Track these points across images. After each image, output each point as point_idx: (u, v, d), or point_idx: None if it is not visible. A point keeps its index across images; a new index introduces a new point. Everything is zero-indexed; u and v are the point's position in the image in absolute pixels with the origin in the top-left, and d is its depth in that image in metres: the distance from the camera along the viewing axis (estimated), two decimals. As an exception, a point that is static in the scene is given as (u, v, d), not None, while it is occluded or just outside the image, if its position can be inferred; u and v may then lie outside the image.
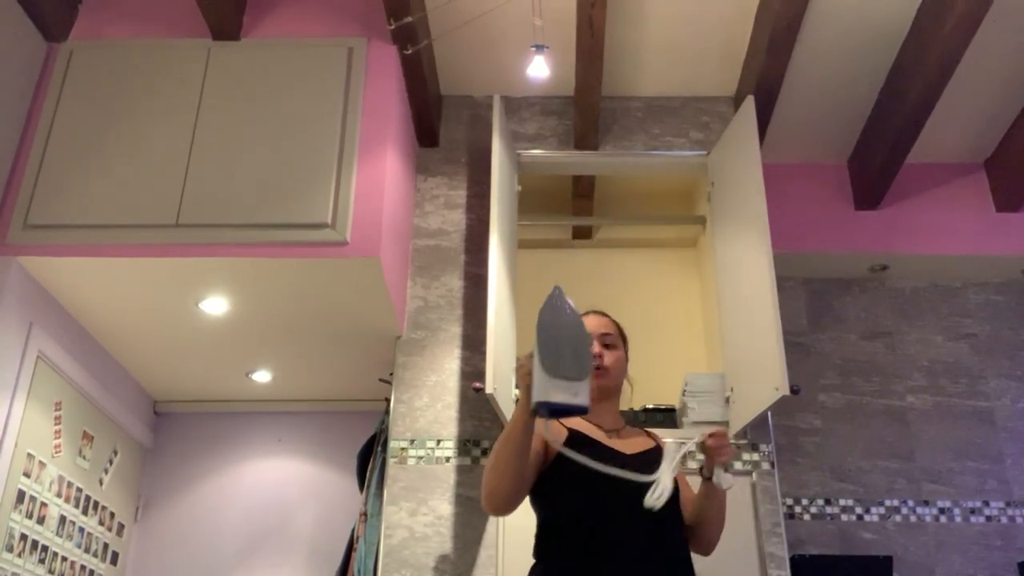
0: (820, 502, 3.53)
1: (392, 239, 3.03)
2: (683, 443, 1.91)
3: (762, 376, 2.83)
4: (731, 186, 3.33)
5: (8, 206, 2.89)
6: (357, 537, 3.12)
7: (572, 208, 3.94)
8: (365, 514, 3.13)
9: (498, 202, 3.08)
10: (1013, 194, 3.78)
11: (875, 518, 3.51)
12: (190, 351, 3.49)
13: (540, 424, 1.67)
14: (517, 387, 1.84)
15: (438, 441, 3.11)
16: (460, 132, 3.65)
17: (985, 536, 3.48)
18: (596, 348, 2.01)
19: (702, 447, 1.87)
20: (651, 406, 3.21)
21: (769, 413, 2.97)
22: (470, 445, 3.10)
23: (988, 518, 3.51)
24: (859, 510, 3.52)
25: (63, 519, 3.15)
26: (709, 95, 3.66)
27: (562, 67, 3.44)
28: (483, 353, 3.12)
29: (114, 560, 3.57)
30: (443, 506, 3.00)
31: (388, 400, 3.26)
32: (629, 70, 3.55)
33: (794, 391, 2.70)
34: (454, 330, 3.28)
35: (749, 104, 3.27)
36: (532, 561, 1.88)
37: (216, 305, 3.11)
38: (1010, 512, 3.51)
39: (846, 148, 3.89)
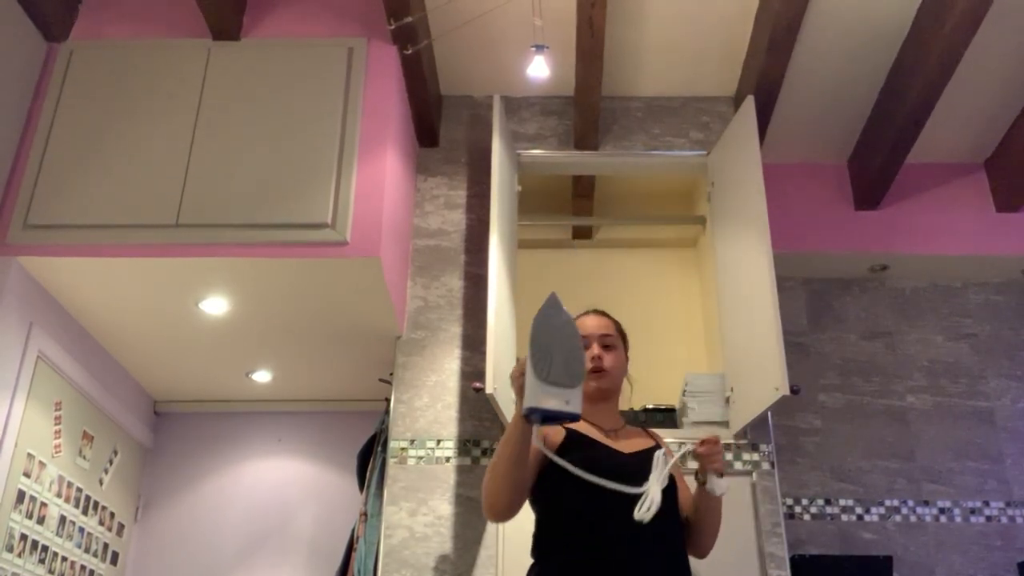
0: (820, 502, 3.53)
1: (392, 239, 3.03)
2: (681, 445, 1.91)
3: (762, 376, 2.83)
4: (731, 186, 3.33)
5: (8, 206, 2.89)
6: (357, 537, 3.12)
7: (572, 208, 3.94)
8: (365, 514, 3.13)
9: (498, 202, 3.08)
10: (1013, 194, 3.78)
11: (875, 518, 3.51)
12: (190, 351, 3.49)
13: (534, 434, 1.68)
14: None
15: (438, 441, 3.11)
16: (460, 132, 3.65)
17: (985, 536, 3.48)
18: (595, 350, 2.02)
19: (694, 455, 1.88)
20: (651, 406, 3.21)
21: (769, 413, 2.97)
22: (470, 445, 3.10)
23: (988, 518, 3.51)
24: (859, 510, 3.52)
25: (63, 519, 3.15)
26: (709, 95, 3.66)
27: (562, 67, 3.44)
28: (483, 353, 3.12)
29: (114, 560, 3.57)
30: (443, 506, 3.00)
31: (388, 400, 3.26)
32: (629, 70, 3.55)
33: (794, 391, 2.70)
34: (454, 330, 3.28)
35: (749, 104, 3.27)
36: (531, 561, 1.88)
37: (216, 305, 3.11)
38: (1010, 512, 3.51)
39: (846, 148, 3.89)
